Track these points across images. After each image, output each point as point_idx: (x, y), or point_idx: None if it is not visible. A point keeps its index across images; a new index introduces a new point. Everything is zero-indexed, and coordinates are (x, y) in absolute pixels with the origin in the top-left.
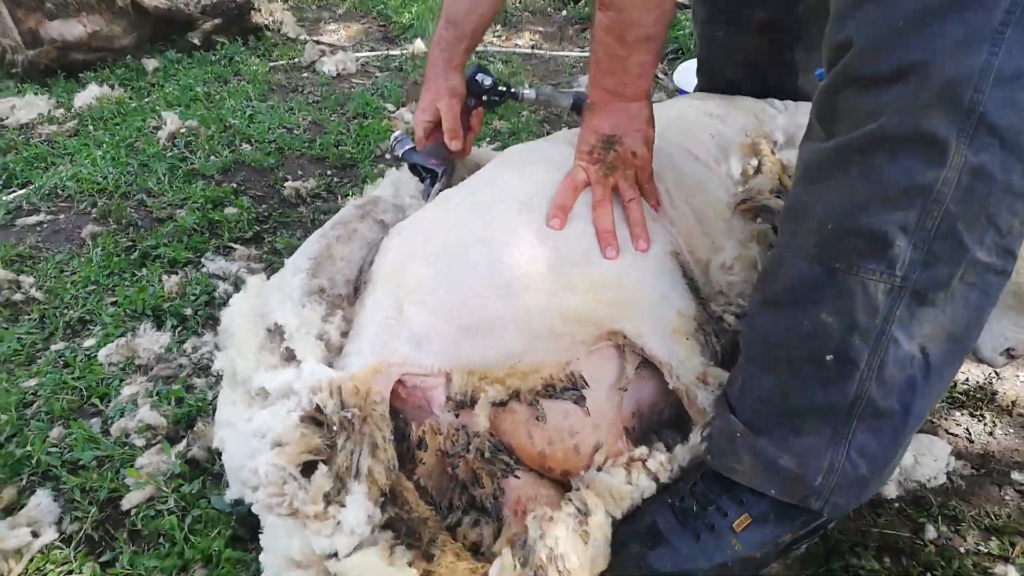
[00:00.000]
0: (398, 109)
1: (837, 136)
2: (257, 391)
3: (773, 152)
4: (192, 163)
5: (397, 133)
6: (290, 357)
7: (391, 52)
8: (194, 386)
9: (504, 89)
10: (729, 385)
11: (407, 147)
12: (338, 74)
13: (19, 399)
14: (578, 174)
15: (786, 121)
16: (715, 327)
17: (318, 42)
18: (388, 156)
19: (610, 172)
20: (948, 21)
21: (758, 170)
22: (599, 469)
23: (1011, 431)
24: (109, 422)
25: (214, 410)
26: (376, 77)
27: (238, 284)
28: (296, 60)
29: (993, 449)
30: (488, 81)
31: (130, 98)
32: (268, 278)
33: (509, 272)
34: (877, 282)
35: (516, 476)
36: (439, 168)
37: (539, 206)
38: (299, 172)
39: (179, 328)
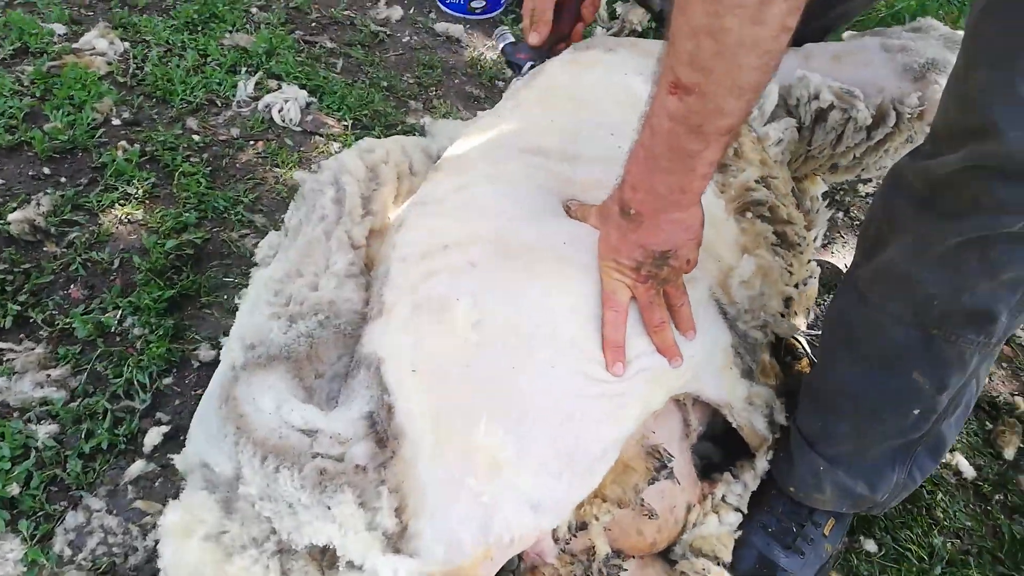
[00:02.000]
0: (83, 34)
1: (953, 214)
2: None
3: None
4: None
5: (501, 28)
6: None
7: None
8: None
9: None
10: (804, 422)
11: (507, 40)
12: None
13: None
14: (622, 295)
15: None
16: (744, 345)
17: None
18: (117, 120)
19: (662, 285)
20: None
21: (737, 153)
22: (694, 525)
23: None
24: None
25: None
26: None
27: (60, 420)
28: None
29: None
30: None
31: None
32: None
33: (600, 410)
34: (974, 348)
35: (624, 569)
36: (524, 62)
37: (587, 342)
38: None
39: (27, 522)
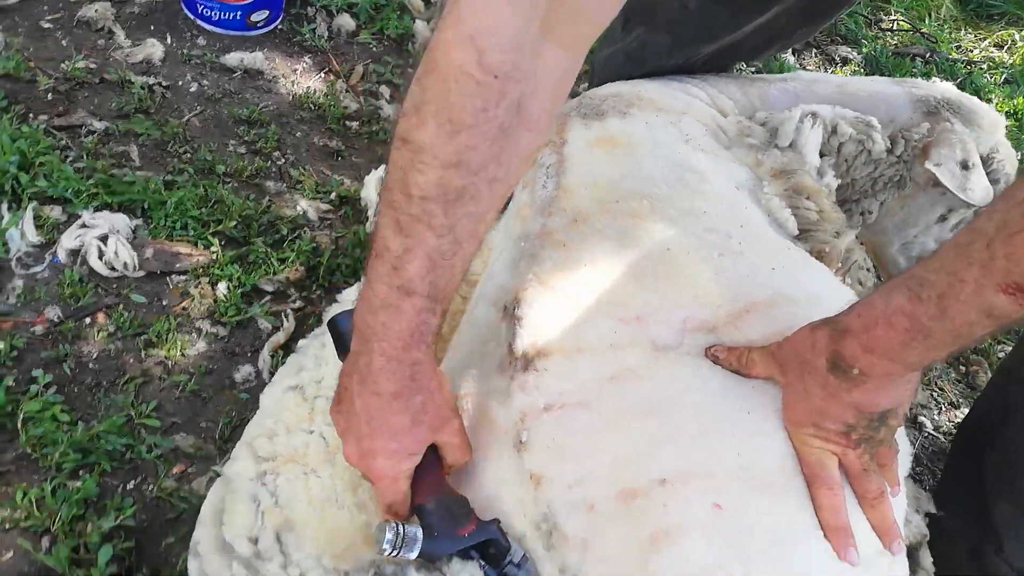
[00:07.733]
0: None
1: None
2: None
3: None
4: None
5: (390, 534)
6: None
7: None
8: None
9: None
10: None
11: (418, 541)
12: None
13: None
14: (831, 468)
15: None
16: None
17: None
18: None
19: (875, 449)
20: None
21: (822, 216)
22: None
23: None
24: None
25: None
26: None
27: None
28: None
29: None
30: None
31: None
32: None
33: None
34: None
35: None
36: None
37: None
38: None
39: None
